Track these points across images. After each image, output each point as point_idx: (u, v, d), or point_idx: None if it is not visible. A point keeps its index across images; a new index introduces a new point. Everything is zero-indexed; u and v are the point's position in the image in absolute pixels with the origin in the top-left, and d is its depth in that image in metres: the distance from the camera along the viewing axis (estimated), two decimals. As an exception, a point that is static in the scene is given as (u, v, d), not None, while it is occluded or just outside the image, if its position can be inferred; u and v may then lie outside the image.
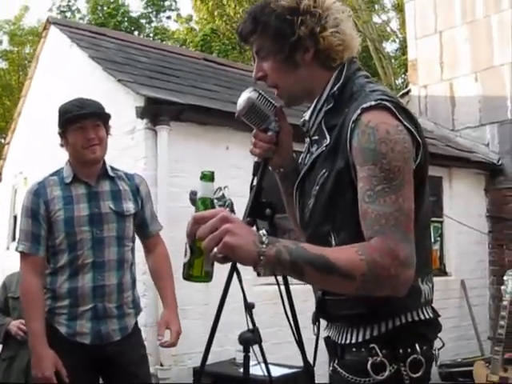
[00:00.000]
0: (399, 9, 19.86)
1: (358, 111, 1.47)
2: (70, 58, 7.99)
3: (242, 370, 3.31)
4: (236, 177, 5.45)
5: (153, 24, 24.62)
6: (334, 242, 1.56)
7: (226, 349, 5.58)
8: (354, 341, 1.58)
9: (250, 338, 3.01)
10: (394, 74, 18.72)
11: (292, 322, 1.78)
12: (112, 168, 3.02)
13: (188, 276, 1.49)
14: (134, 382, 2.90)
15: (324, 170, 1.57)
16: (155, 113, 5.62)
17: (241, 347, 2.93)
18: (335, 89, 1.61)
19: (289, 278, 1.70)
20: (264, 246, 1.35)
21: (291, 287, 1.84)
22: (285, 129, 1.74)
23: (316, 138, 1.66)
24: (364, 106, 1.47)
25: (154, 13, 24.99)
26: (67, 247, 2.80)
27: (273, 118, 1.69)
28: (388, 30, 21.14)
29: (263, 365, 2.65)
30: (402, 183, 1.41)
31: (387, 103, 1.47)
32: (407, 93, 10.74)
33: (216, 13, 21.36)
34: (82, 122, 2.83)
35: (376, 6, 21.37)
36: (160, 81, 6.69)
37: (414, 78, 10.64)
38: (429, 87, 10.17)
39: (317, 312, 1.73)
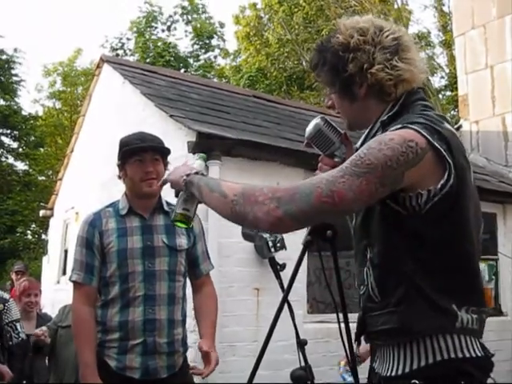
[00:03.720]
0: (447, 45, 19.78)
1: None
2: (122, 95, 8.17)
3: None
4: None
5: (200, 62, 25.13)
6: (369, 256, 1.61)
7: (276, 387, 5.47)
8: (394, 373, 1.54)
9: (303, 376, 2.92)
10: (443, 110, 18.54)
11: (349, 357, 1.79)
12: (167, 203, 2.99)
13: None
14: None
15: None
16: (207, 148, 5.65)
17: (290, 386, 2.84)
18: (385, 117, 1.65)
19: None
20: (185, 176, 1.77)
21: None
22: (349, 156, 1.74)
23: None
24: (392, 128, 1.53)
25: (203, 51, 25.55)
26: (119, 279, 2.79)
27: (338, 144, 1.79)
28: (435, 64, 21.00)
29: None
30: (360, 175, 1.43)
31: (413, 126, 1.49)
32: (458, 129, 10.58)
33: (263, 52, 21.69)
34: (141, 155, 2.85)
35: (423, 42, 21.33)
36: (211, 116, 6.76)
37: (464, 113, 10.50)
38: (480, 122, 10.01)
39: (357, 331, 1.72)
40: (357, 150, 1.69)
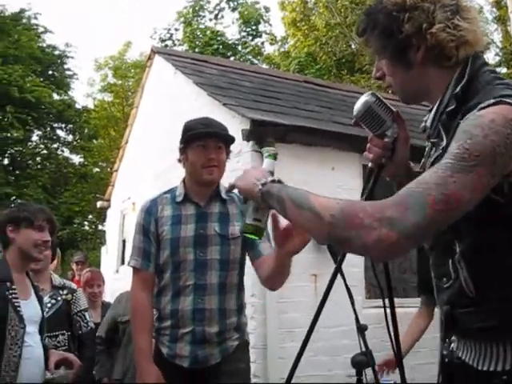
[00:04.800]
0: (501, 21, 19.18)
1: (476, 110, 1.33)
2: (174, 85, 8.24)
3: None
4: (342, 197, 5.36)
5: (248, 49, 25.11)
6: (458, 249, 1.44)
7: (335, 373, 5.47)
8: (492, 368, 1.40)
9: (364, 361, 2.90)
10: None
11: (395, 344, 1.76)
12: (226, 190, 2.80)
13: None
14: None
15: None
16: (261, 135, 5.66)
17: (350, 371, 2.82)
18: (458, 89, 1.45)
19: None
20: (261, 186, 1.53)
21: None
22: (402, 136, 1.65)
23: (435, 140, 1.54)
24: (482, 105, 1.33)
25: (250, 37, 25.51)
26: (171, 267, 2.78)
27: (390, 123, 1.62)
28: (489, 39, 20.40)
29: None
30: (470, 170, 1.26)
31: (509, 99, 1.31)
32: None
33: (311, 37, 21.50)
34: (205, 140, 2.78)
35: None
36: (264, 104, 6.75)
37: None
38: (539, 100, 9.67)
39: (446, 327, 1.56)
40: (425, 129, 1.60)
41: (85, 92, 32.03)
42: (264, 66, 22.65)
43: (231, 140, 2.89)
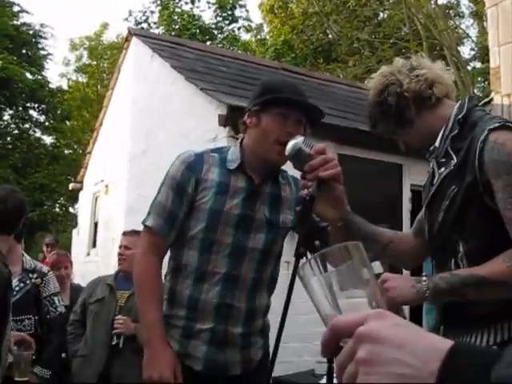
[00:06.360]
0: (478, 16, 19.37)
1: (486, 132, 1.68)
2: (151, 69, 8.17)
3: (322, 381, 3.23)
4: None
5: (224, 34, 24.97)
6: (461, 249, 1.75)
7: (305, 359, 5.52)
8: (492, 342, 1.67)
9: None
10: (472, 82, 18.22)
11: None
12: (283, 172, 2.43)
13: None
14: None
15: (454, 186, 1.77)
16: (237, 121, 5.64)
17: (320, 358, 2.84)
18: (460, 116, 1.82)
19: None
20: (420, 285, 1.71)
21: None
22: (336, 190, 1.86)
23: (443, 160, 1.85)
24: (490, 127, 1.68)
25: (227, 22, 25.35)
26: (200, 244, 2.26)
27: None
28: (462, 33, 20.61)
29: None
30: None
31: (510, 124, 1.71)
32: (489, 102, 10.39)
33: (288, 24, 21.47)
34: (289, 109, 2.21)
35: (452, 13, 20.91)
36: (241, 89, 6.73)
37: (496, 86, 10.25)
38: (512, 95, 9.81)
39: (446, 318, 1.83)
40: (434, 150, 1.89)
41: (59, 72, 31.51)
42: (240, 52, 22.57)
43: (319, 117, 2.31)
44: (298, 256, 1.74)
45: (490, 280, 1.60)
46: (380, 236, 2.04)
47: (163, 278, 2.38)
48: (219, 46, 22.22)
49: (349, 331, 0.68)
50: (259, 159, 2.28)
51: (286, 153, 1.87)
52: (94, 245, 10.41)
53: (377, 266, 2.19)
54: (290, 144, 1.88)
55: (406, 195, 7.09)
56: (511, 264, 1.59)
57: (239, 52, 19.57)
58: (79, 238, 11.50)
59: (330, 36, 20.73)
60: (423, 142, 1.95)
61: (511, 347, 0.59)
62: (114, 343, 3.92)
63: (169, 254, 2.39)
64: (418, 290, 1.70)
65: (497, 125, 1.69)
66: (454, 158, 1.79)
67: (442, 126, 1.86)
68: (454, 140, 1.82)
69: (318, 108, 2.31)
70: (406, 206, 7.05)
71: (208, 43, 22.07)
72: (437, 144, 1.87)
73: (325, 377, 3.02)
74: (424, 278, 1.71)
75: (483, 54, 16.88)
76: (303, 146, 1.85)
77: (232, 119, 5.65)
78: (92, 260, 9.86)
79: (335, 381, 2.90)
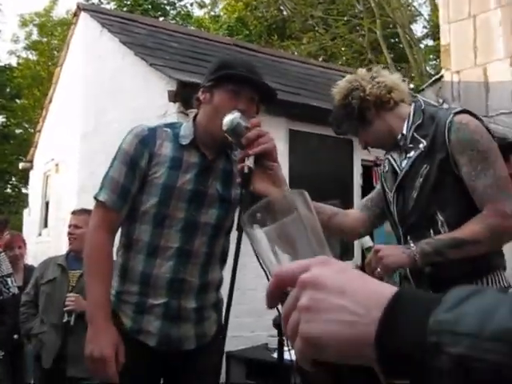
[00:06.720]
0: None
1: (451, 115, 2.03)
2: (100, 44, 8.02)
3: (275, 355, 3.27)
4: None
5: (177, 10, 24.61)
6: (441, 218, 2.05)
7: (258, 334, 5.57)
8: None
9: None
10: (424, 60, 18.45)
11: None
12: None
13: None
14: None
15: (425, 165, 2.08)
16: (187, 96, 5.58)
17: (273, 332, 2.87)
18: (423, 107, 2.19)
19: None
20: (409, 250, 1.98)
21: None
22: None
23: (411, 145, 2.15)
24: (454, 111, 2.06)
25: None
26: (152, 219, 2.26)
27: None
28: (415, 10, 20.79)
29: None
30: (495, 159, 1.98)
31: (467, 110, 2.09)
32: (439, 78, 10.55)
33: (242, 0, 21.30)
34: (241, 86, 2.20)
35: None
36: (192, 65, 6.66)
37: (446, 63, 10.44)
38: (462, 73, 9.98)
39: (424, 284, 2.07)
40: (402, 138, 2.19)
41: (8, 49, 30.66)
42: (193, 29, 22.33)
43: (270, 98, 2.30)
44: (241, 230, 1.74)
45: (467, 241, 1.91)
46: (324, 209, 2.34)
47: (115, 254, 2.35)
48: (172, 22, 21.89)
49: (292, 279, 0.65)
50: (210, 135, 2.26)
51: (224, 128, 1.88)
52: (46, 225, 10.24)
53: (366, 240, 2.46)
54: (228, 118, 1.90)
55: (358, 171, 7.16)
56: (482, 226, 1.92)
57: (192, 28, 19.35)
58: (30, 218, 11.31)
59: (284, 13, 20.67)
60: (380, 141, 2.25)
61: (452, 291, 0.57)
62: (64, 320, 3.89)
63: (120, 229, 2.36)
64: (408, 254, 1.97)
65: (459, 109, 2.06)
66: (423, 141, 2.10)
67: (399, 124, 2.18)
68: (418, 128, 2.15)
69: (272, 88, 2.30)
70: (357, 181, 7.13)
71: (161, 19, 21.73)
72: (404, 131, 2.18)
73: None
74: (412, 245, 1.99)
75: (435, 31, 17.08)
76: (241, 120, 1.88)
77: (182, 95, 5.59)
78: (44, 240, 9.71)
79: (286, 355, 2.95)
